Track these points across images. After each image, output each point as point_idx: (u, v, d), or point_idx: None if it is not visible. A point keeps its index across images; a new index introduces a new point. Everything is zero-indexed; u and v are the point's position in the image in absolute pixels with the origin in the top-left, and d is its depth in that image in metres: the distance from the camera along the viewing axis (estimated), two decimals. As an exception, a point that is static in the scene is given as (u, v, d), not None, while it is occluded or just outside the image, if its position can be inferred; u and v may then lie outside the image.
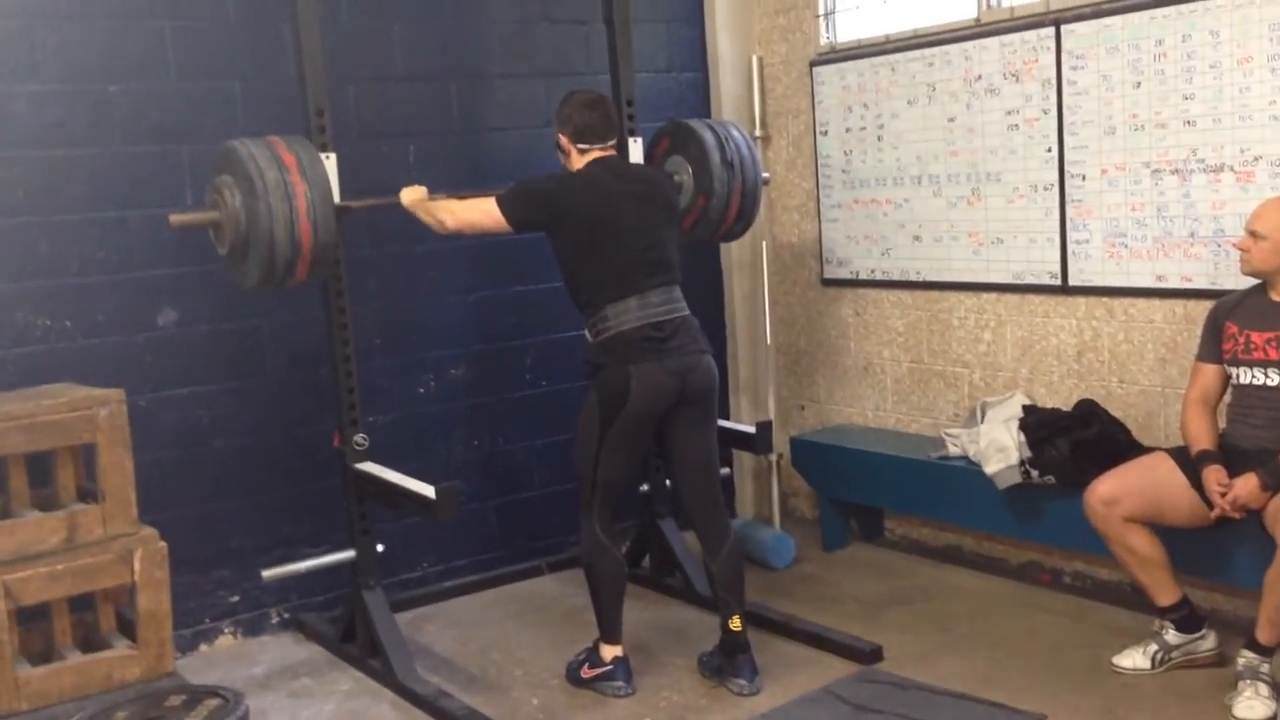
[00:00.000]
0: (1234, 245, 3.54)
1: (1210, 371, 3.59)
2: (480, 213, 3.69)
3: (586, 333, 3.71)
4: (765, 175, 4.58)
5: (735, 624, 3.75)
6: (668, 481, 4.23)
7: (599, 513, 3.72)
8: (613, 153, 3.81)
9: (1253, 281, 3.54)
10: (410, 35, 4.59)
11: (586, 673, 3.82)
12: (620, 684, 3.77)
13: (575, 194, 3.65)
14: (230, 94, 4.21)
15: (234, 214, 3.52)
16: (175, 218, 3.62)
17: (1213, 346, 3.58)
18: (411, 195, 3.85)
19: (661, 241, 3.71)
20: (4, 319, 3.90)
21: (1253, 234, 3.42)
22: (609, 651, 3.80)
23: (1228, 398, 3.59)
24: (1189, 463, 3.50)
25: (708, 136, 4.34)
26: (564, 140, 3.76)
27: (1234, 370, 3.52)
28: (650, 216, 3.71)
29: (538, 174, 3.86)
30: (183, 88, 4.14)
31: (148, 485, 3.77)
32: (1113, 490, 3.52)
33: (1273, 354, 3.42)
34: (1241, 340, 3.49)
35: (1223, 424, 3.59)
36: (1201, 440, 3.52)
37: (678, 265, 3.76)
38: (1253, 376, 3.46)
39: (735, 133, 4.43)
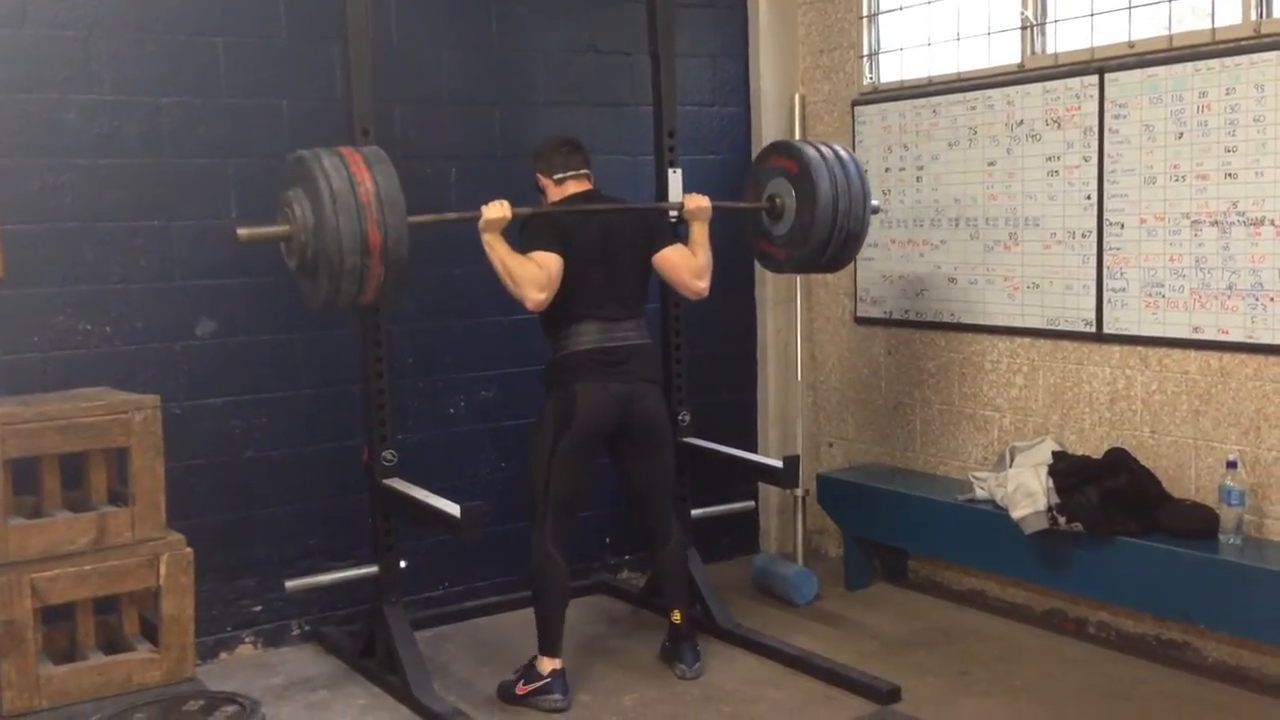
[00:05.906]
0: None
1: None
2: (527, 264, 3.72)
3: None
4: (875, 204, 4.21)
5: (675, 617, 4.10)
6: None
7: (550, 527, 3.87)
8: (589, 186, 3.99)
9: None
10: (457, 60, 4.65)
11: (521, 689, 3.86)
12: (558, 697, 3.82)
13: (553, 224, 3.83)
14: (277, 111, 4.28)
15: (302, 228, 3.31)
16: (243, 231, 3.35)
17: None
18: (495, 214, 3.69)
19: (628, 272, 3.92)
20: (45, 322, 3.97)
21: None
22: (547, 665, 3.86)
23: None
24: None
25: (814, 158, 4.06)
26: (542, 179, 4.00)
27: None
28: (620, 248, 3.90)
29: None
30: (232, 103, 4.21)
31: (177, 491, 3.83)
32: None
33: None
34: None
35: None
36: None
37: (643, 296, 4.00)
38: None
39: (843, 154, 4.14)
